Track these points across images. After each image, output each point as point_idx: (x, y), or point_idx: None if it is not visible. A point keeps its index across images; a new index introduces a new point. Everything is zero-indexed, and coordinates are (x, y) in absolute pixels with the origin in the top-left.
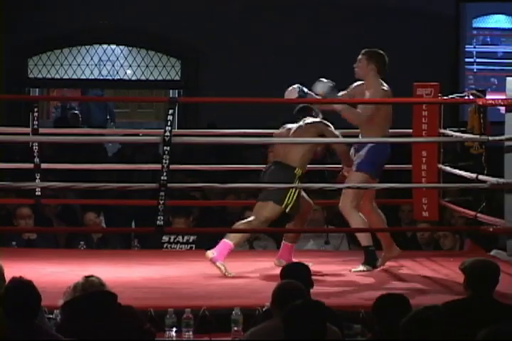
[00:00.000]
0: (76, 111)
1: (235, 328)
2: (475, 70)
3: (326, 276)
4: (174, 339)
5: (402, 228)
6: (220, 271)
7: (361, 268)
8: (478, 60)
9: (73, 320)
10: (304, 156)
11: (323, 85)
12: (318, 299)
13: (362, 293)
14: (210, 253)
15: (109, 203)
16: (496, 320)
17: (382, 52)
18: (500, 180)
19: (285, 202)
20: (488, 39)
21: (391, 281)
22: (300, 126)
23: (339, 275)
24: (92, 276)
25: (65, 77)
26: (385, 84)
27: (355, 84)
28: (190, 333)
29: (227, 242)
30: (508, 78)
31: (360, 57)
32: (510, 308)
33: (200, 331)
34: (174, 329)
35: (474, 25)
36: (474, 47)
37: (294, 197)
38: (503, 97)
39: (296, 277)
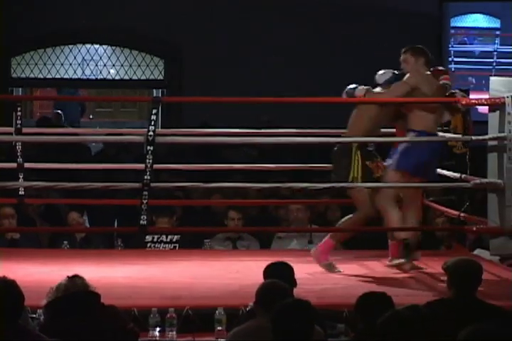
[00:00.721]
0: (58, 111)
1: (219, 328)
2: (453, 69)
3: (309, 276)
4: (157, 338)
5: (388, 228)
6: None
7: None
8: (455, 59)
9: (56, 320)
10: (362, 126)
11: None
12: (301, 298)
13: (345, 292)
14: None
15: (92, 203)
16: (479, 320)
17: (421, 46)
18: (484, 180)
19: (351, 177)
20: (466, 38)
21: (374, 280)
22: None
23: (322, 274)
24: (75, 276)
25: (48, 76)
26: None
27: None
28: (174, 333)
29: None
30: (492, 78)
31: (404, 56)
32: (493, 308)
33: (184, 330)
34: (158, 328)
35: (452, 24)
36: (452, 47)
37: (358, 168)
38: (486, 97)
39: (279, 276)
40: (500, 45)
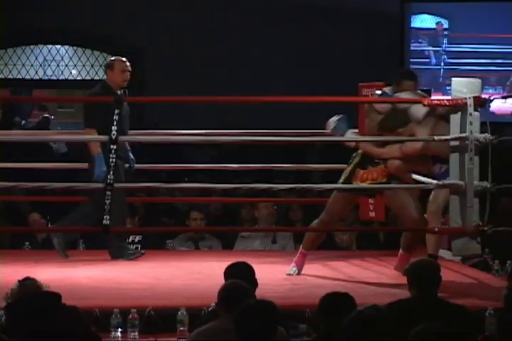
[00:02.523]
0: (47, 115)
1: (181, 328)
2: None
3: (271, 276)
4: (119, 339)
5: (353, 228)
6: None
7: None
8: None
9: (17, 322)
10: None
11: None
12: (264, 299)
13: (307, 293)
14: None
15: (54, 200)
16: (440, 319)
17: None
18: (446, 181)
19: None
20: (412, 39)
21: (337, 280)
22: None
23: (284, 275)
24: (26, 279)
25: (10, 77)
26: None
27: None
28: (136, 333)
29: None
30: (454, 78)
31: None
32: (455, 307)
33: (146, 331)
34: (119, 329)
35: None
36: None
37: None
38: (448, 97)
39: (239, 277)
40: (448, 44)
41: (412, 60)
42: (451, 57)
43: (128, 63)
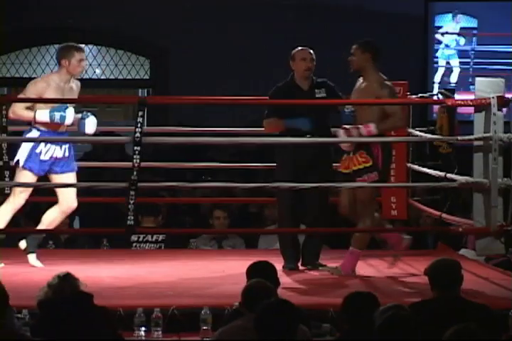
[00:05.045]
0: None
1: (204, 327)
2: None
3: (294, 275)
4: (143, 338)
5: (379, 228)
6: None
7: None
8: (435, 59)
9: (49, 322)
10: None
11: None
12: (287, 298)
13: (331, 292)
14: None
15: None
16: (464, 319)
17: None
18: (470, 179)
19: None
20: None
21: (359, 280)
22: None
23: (306, 274)
24: (67, 275)
25: (34, 76)
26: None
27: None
28: (159, 332)
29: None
30: (477, 78)
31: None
32: (478, 306)
33: (169, 330)
34: (143, 328)
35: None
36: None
37: None
38: (472, 97)
39: (261, 275)
40: (477, 44)
41: (435, 59)
42: (480, 57)
43: (310, 51)
